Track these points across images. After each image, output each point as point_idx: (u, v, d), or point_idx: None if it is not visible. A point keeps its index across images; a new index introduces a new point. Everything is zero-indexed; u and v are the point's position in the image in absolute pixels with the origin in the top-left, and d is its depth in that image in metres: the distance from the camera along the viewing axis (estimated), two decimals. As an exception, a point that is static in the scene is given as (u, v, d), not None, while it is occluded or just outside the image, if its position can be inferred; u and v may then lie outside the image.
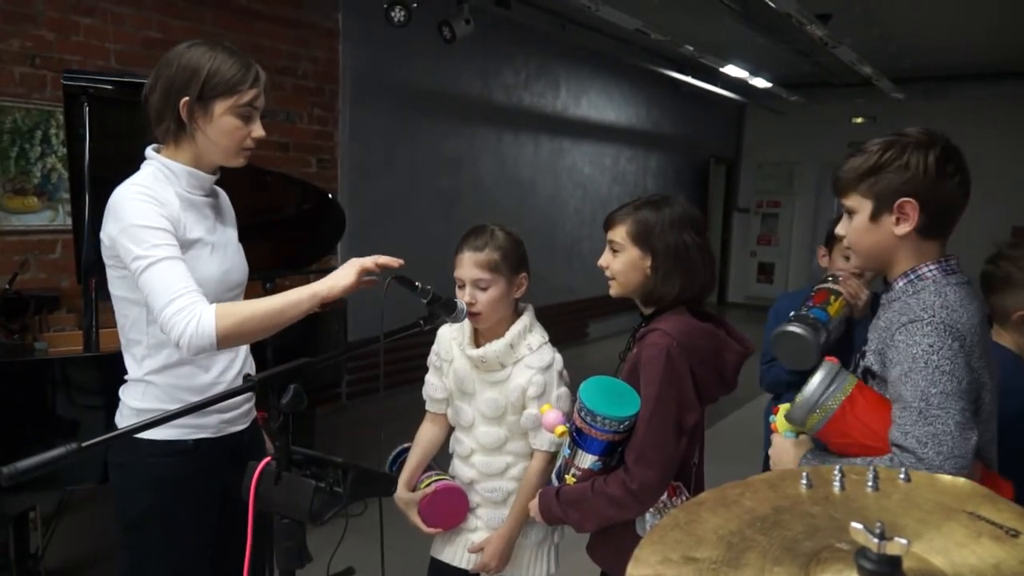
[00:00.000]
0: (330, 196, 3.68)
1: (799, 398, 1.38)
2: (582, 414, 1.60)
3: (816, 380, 1.36)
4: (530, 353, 1.87)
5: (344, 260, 5.26)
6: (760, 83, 8.47)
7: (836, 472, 0.80)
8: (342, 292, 1.52)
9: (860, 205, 1.40)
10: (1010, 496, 1.31)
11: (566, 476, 1.71)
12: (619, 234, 1.72)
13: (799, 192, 10.94)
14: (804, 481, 0.80)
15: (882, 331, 1.39)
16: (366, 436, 4.64)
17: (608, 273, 1.76)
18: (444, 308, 1.77)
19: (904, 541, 0.62)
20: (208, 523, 1.73)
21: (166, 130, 1.61)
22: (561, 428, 1.73)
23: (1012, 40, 7.22)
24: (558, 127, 7.77)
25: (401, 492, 1.93)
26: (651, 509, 1.65)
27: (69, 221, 3.13)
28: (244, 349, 1.80)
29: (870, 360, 1.41)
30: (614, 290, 1.77)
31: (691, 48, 6.75)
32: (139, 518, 1.67)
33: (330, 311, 3.48)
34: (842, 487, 0.79)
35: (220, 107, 1.58)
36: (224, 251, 1.72)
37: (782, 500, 0.77)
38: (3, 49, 3.73)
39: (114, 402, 2.35)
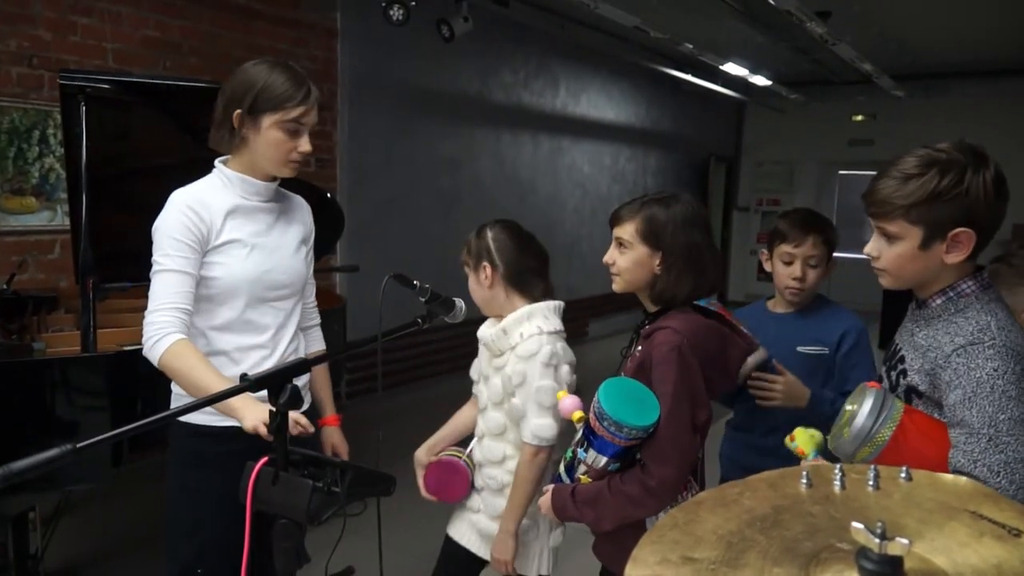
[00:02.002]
0: (328, 195, 3.67)
1: (847, 431, 1.32)
2: (603, 422, 1.56)
3: (865, 410, 1.30)
4: (520, 341, 1.90)
5: (344, 260, 5.22)
6: (760, 81, 8.45)
7: (836, 471, 0.80)
8: (244, 426, 1.56)
9: (907, 232, 1.31)
10: None
11: (579, 476, 1.68)
12: (627, 231, 1.71)
13: (799, 190, 10.93)
14: (804, 480, 0.79)
15: (926, 350, 1.34)
16: (366, 436, 4.64)
17: (613, 270, 1.75)
18: (442, 306, 1.77)
19: (905, 541, 0.61)
20: (239, 509, 1.75)
21: (221, 138, 1.75)
22: (579, 413, 1.70)
23: (1012, 37, 7.21)
24: (557, 126, 7.76)
25: (420, 453, 2.09)
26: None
27: (67, 221, 3.12)
28: (282, 351, 1.87)
29: (915, 380, 1.35)
30: (618, 286, 1.76)
31: (690, 46, 6.74)
32: (172, 490, 1.82)
33: (329, 311, 3.47)
34: (843, 486, 0.78)
35: (268, 121, 1.70)
36: (268, 253, 1.82)
37: (782, 499, 0.77)
38: (1, 49, 3.72)
39: (112, 402, 2.35)
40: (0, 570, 2.51)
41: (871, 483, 0.77)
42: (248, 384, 1.29)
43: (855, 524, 0.63)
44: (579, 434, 1.68)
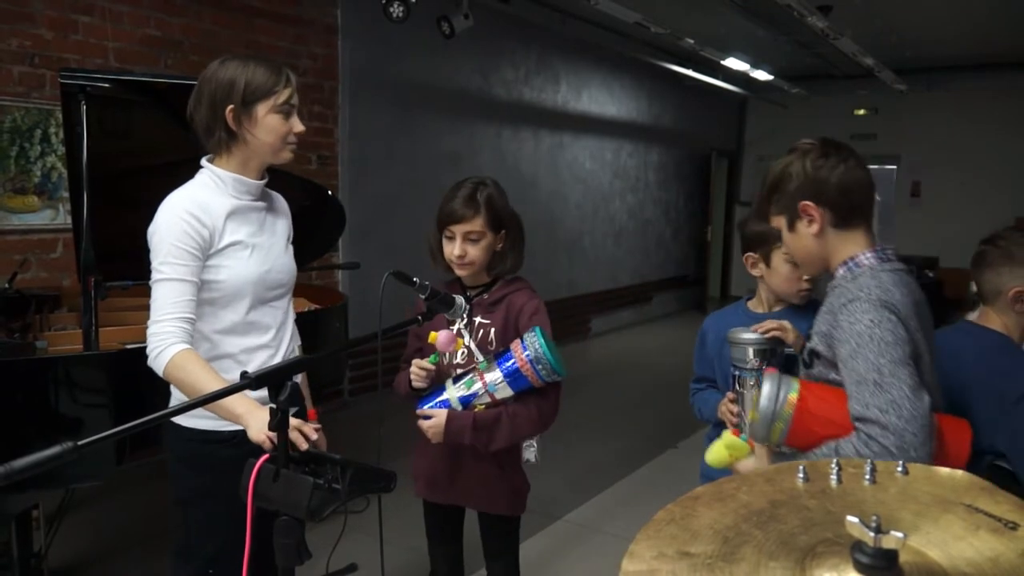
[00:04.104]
0: (329, 192, 3.67)
1: (755, 416, 1.43)
2: (537, 365, 1.82)
3: (765, 393, 1.41)
4: None
5: (345, 257, 5.22)
6: (761, 75, 8.43)
7: (833, 465, 0.80)
8: (249, 435, 1.55)
9: (779, 222, 1.56)
10: (968, 436, 1.38)
11: (478, 405, 1.91)
12: (477, 224, 1.92)
13: (801, 185, 10.89)
14: (801, 475, 0.79)
15: (826, 314, 1.48)
16: (368, 433, 4.65)
17: (465, 261, 1.94)
18: (442, 303, 1.77)
19: (900, 535, 0.61)
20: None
21: (218, 140, 1.74)
22: (460, 341, 1.97)
23: (1013, 31, 7.18)
24: (558, 122, 7.75)
25: None
26: (535, 438, 2.00)
27: (70, 220, 3.13)
28: (284, 349, 1.87)
29: (815, 342, 1.49)
30: (467, 272, 1.97)
31: (691, 41, 6.72)
32: (183, 497, 1.81)
33: (331, 308, 3.48)
34: (839, 480, 0.78)
35: (262, 109, 1.72)
36: (266, 252, 1.82)
37: (778, 494, 0.77)
38: (2, 48, 3.73)
39: (113, 400, 2.35)
40: (3, 568, 2.52)
41: (867, 477, 0.78)
42: (248, 382, 1.29)
43: (850, 518, 0.63)
44: (481, 369, 1.90)
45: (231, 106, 1.69)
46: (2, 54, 3.73)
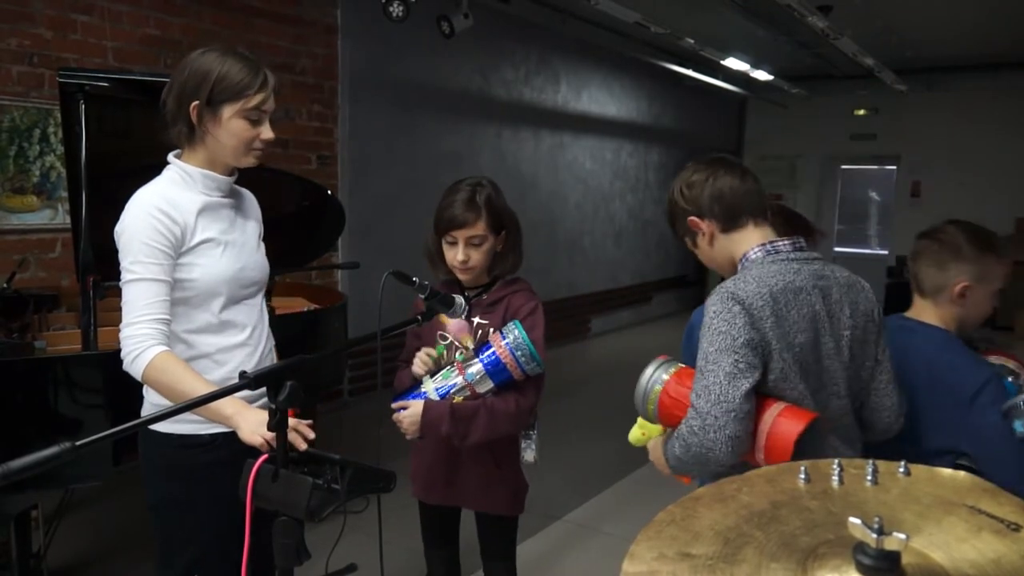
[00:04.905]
0: (329, 192, 3.67)
1: (635, 394, 1.57)
2: (517, 352, 1.82)
3: (646, 373, 1.55)
4: None
5: (345, 257, 5.23)
6: (761, 76, 8.42)
7: (835, 466, 0.80)
8: (241, 436, 1.53)
9: (689, 244, 1.70)
10: (797, 432, 1.37)
11: (456, 397, 1.89)
12: (479, 228, 1.91)
13: (801, 185, 10.91)
14: (802, 475, 0.79)
15: None
16: (368, 433, 4.65)
17: (469, 265, 1.92)
18: (442, 303, 1.77)
19: (903, 536, 0.61)
20: (232, 512, 1.73)
21: (179, 133, 1.69)
22: (467, 337, 1.95)
23: (1013, 31, 7.18)
24: (558, 122, 7.74)
25: None
26: (533, 438, 2.01)
27: (68, 220, 3.12)
28: (262, 347, 1.84)
29: None
30: (468, 276, 1.97)
31: (691, 41, 6.71)
32: (159, 504, 1.77)
33: (331, 308, 3.47)
34: (840, 481, 0.78)
35: (228, 111, 1.64)
36: (239, 249, 1.77)
37: (780, 495, 0.77)
38: (1, 48, 3.72)
39: (112, 400, 2.35)
40: (3, 568, 2.51)
41: (869, 478, 0.77)
42: (247, 382, 1.29)
43: (852, 519, 0.63)
44: (460, 360, 1.90)
45: (196, 102, 1.62)
46: (1, 53, 3.72)
